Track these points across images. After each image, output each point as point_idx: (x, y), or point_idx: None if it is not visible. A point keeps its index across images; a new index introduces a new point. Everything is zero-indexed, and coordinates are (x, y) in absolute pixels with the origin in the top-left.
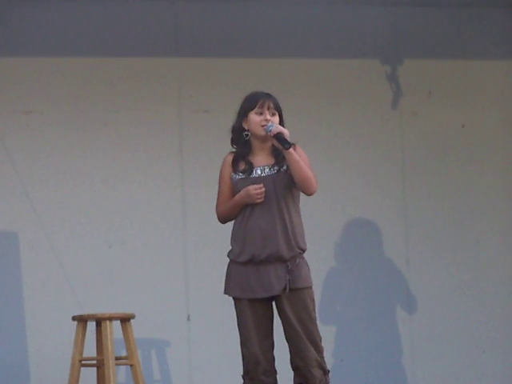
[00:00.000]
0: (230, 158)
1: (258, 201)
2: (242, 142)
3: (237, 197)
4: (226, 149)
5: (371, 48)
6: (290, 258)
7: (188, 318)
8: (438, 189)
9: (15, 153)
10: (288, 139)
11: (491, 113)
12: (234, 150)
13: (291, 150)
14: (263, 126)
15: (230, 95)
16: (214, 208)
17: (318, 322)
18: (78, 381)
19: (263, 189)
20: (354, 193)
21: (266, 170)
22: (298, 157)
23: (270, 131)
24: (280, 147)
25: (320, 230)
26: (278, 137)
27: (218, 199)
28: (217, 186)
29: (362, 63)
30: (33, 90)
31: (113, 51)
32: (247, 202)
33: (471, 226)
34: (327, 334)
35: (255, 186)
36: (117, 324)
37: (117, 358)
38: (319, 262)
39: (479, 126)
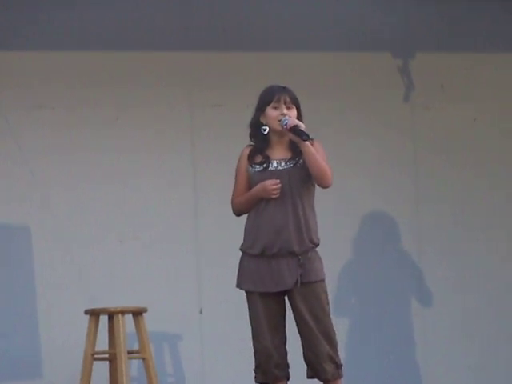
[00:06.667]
0: (247, 150)
1: (274, 196)
2: (260, 137)
3: (253, 190)
4: (238, 143)
5: (383, 41)
6: (302, 252)
7: (200, 312)
8: (450, 182)
9: (27, 147)
10: (305, 131)
11: (503, 106)
12: (251, 143)
13: (308, 142)
14: (280, 120)
15: (242, 89)
16: (226, 202)
17: (331, 316)
18: (90, 374)
19: (279, 184)
20: (366, 186)
21: (283, 163)
22: (315, 150)
23: (286, 125)
24: (297, 139)
25: (333, 223)
26: (295, 129)
27: (233, 192)
28: (229, 180)
29: (374, 56)
30: (44, 85)
31: (123, 45)
32: (263, 197)
33: (484, 220)
34: (341, 327)
35: (272, 181)
36: (129, 318)
37: (129, 352)
38: (332, 256)
39: (491, 120)
